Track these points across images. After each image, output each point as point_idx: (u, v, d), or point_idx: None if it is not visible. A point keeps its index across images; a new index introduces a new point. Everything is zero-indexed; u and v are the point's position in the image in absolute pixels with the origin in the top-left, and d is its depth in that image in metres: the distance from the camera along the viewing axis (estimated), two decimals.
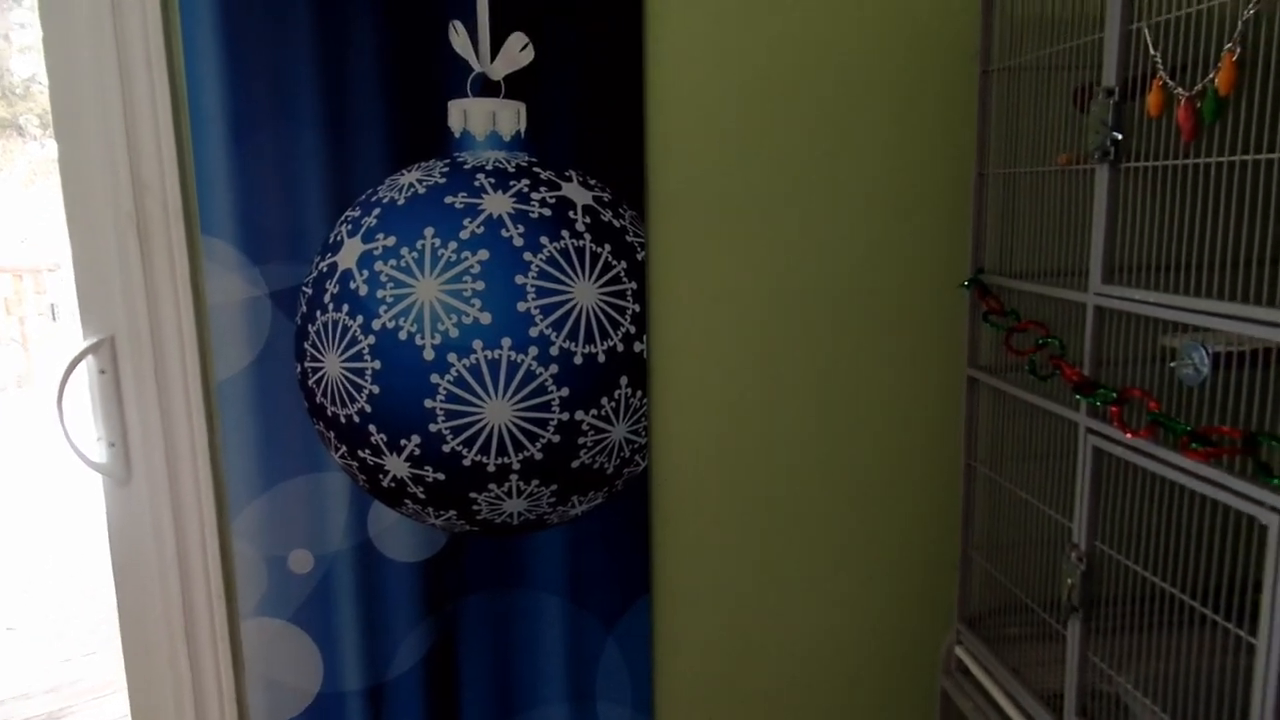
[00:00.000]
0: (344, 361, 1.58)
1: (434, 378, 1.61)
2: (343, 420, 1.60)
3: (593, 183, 1.60)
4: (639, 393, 1.67)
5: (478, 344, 1.61)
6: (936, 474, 1.72)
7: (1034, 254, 1.39)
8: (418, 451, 1.63)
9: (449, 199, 1.57)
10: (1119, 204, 1.14)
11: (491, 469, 1.66)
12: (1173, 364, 1.04)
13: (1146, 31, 1.07)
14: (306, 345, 1.57)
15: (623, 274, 1.63)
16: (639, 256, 1.63)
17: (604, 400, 1.66)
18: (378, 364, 1.60)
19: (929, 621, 1.78)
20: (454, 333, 1.60)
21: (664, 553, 1.73)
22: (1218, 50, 0.94)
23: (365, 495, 1.64)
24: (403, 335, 1.59)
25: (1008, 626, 1.62)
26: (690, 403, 1.69)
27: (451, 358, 1.61)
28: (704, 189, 1.62)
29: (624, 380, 1.66)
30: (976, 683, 1.60)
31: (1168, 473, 1.06)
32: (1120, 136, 1.11)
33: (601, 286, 1.63)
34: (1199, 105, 0.98)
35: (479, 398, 1.63)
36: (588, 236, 1.61)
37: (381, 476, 1.64)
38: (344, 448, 1.61)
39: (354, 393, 1.59)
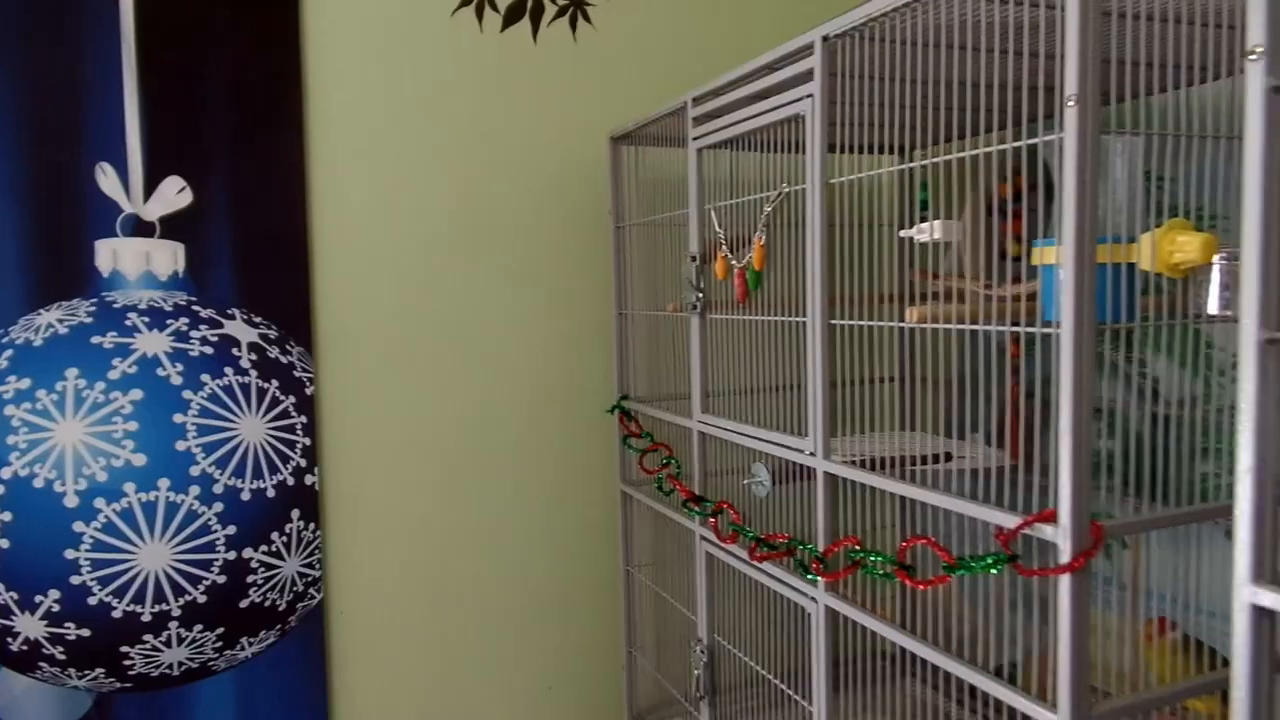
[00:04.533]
0: None
1: (78, 525, 1.51)
2: None
3: (258, 320, 1.63)
4: (312, 525, 1.68)
5: (129, 486, 1.54)
6: (603, 581, 1.87)
7: (663, 383, 1.61)
8: (56, 608, 1.51)
9: (96, 338, 1.52)
10: (707, 346, 1.38)
11: (147, 618, 1.57)
12: (746, 480, 1.27)
13: (713, 213, 1.33)
14: None
15: (291, 408, 1.65)
16: (308, 391, 1.67)
17: (274, 535, 1.65)
18: (7, 515, 1.48)
19: (606, 716, 1.90)
20: (101, 476, 1.53)
21: (344, 687, 1.71)
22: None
23: None
24: (39, 483, 1.49)
25: (671, 716, 1.78)
26: (367, 531, 1.72)
27: (99, 503, 1.53)
28: (374, 325, 1.71)
29: (295, 514, 1.66)
30: None
31: (750, 572, 1.27)
32: (701, 294, 1.35)
33: (269, 421, 1.64)
34: (747, 275, 1.23)
35: (132, 543, 1.55)
36: (253, 373, 1.62)
37: (10, 639, 1.49)
38: None
39: None
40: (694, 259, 1.37)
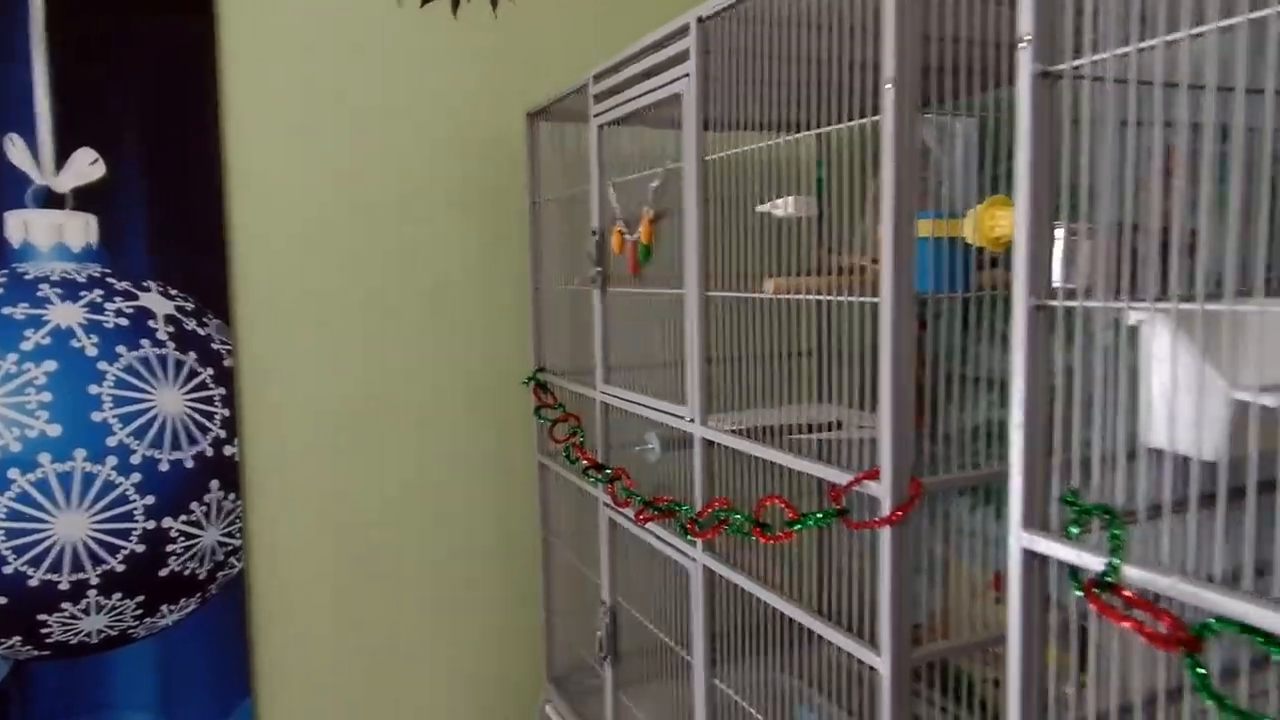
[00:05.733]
0: None
1: None
2: None
3: (174, 292, 1.64)
4: (232, 495, 1.70)
5: (44, 457, 1.56)
6: (524, 549, 1.92)
7: (581, 356, 1.65)
8: None
9: (7, 310, 1.53)
10: (609, 319, 1.42)
11: (65, 587, 1.60)
12: (638, 448, 1.32)
13: (612, 190, 1.36)
14: None
15: (210, 380, 1.68)
16: (226, 363, 1.69)
17: (194, 505, 1.67)
18: None
19: (527, 684, 1.96)
20: (16, 447, 1.54)
21: (266, 653, 1.75)
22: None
23: None
24: None
25: (588, 680, 1.83)
26: (288, 501, 1.75)
27: (13, 473, 1.54)
28: (293, 298, 1.73)
29: (215, 484, 1.69)
30: None
31: (643, 535, 1.32)
32: (601, 268, 1.39)
33: (187, 393, 1.66)
34: (637, 250, 1.27)
35: (47, 513, 1.57)
36: (171, 345, 1.64)
37: None
38: None
39: None
40: (594, 234, 1.41)
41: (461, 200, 1.83)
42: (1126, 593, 0.59)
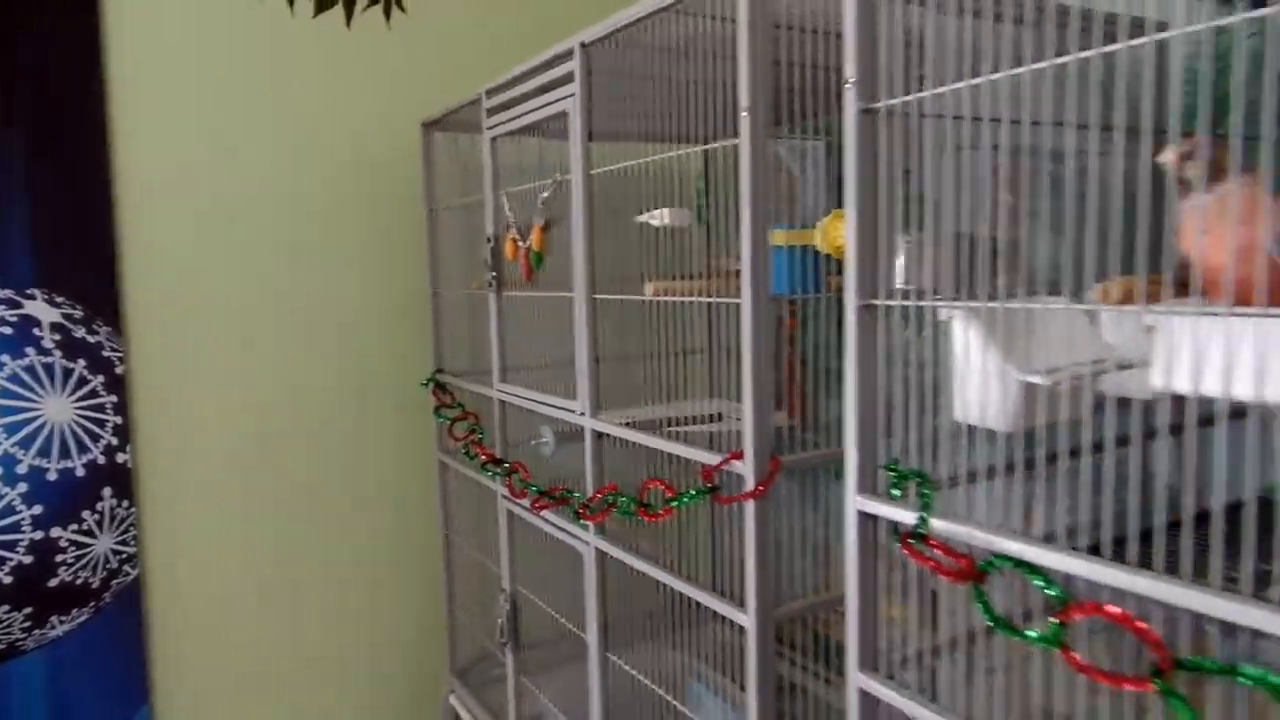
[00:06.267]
0: None
1: None
2: None
3: (60, 300, 1.63)
4: (126, 502, 1.70)
5: None
6: (424, 547, 1.97)
7: (473, 357, 1.72)
8: None
9: None
10: (505, 321, 1.50)
11: None
12: (533, 442, 1.40)
13: (505, 199, 1.44)
14: None
15: (100, 387, 1.66)
16: (118, 370, 1.68)
17: (85, 514, 1.66)
18: None
19: (431, 678, 2.01)
20: None
21: (165, 659, 1.75)
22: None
23: None
24: None
25: (492, 670, 1.90)
26: (185, 505, 1.75)
27: None
28: (187, 305, 1.73)
29: (108, 491, 1.68)
30: None
31: (539, 523, 1.41)
32: (496, 274, 1.47)
33: (76, 401, 1.64)
34: (530, 256, 1.36)
35: None
36: (58, 353, 1.62)
37: None
38: None
39: None
40: (489, 241, 1.49)
41: (360, 206, 1.87)
42: (934, 541, 0.71)
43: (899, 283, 1.08)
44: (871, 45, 0.75)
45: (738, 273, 1.09)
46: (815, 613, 1.01)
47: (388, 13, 1.90)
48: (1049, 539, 0.65)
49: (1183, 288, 0.59)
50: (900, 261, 1.07)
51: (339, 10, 1.85)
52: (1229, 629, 0.53)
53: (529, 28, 2.03)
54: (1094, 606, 0.58)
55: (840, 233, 0.95)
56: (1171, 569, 0.57)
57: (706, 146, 0.98)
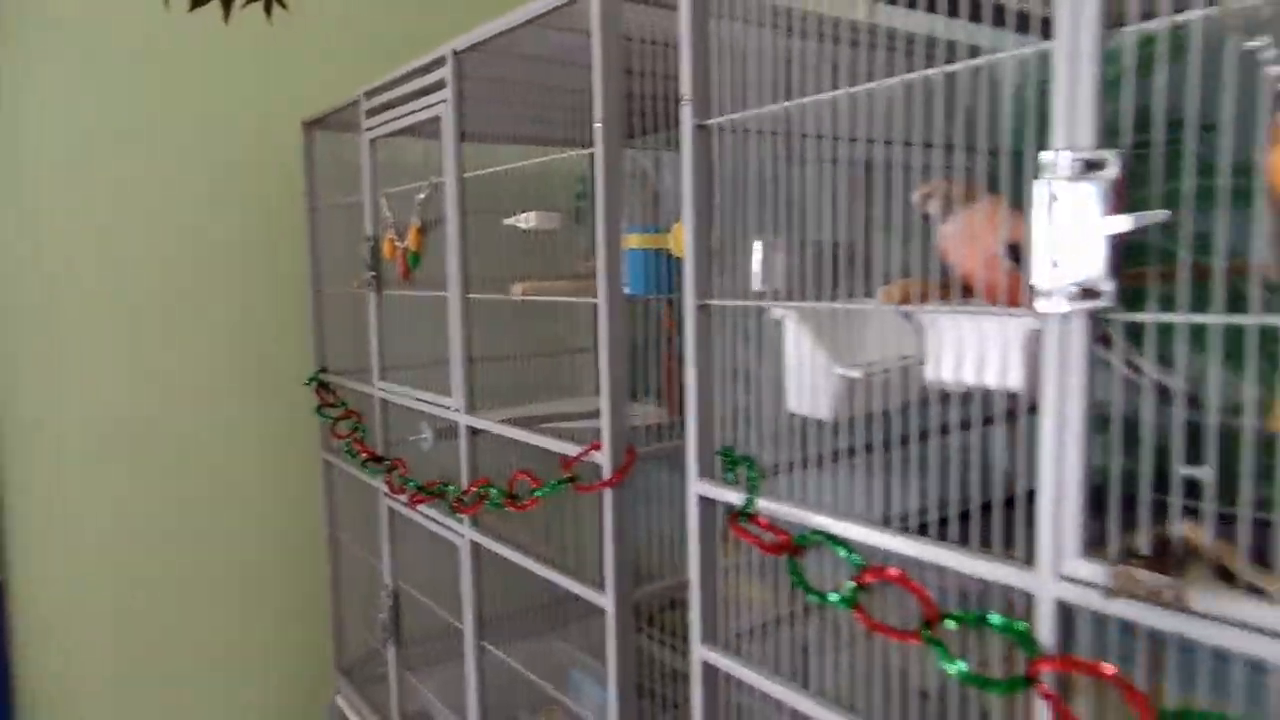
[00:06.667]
0: None
1: None
2: None
3: None
4: None
5: None
6: (310, 547, 1.96)
7: (356, 356, 1.72)
8: None
9: None
10: (384, 320, 1.52)
11: None
12: (412, 438, 1.43)
13: (384, 199, 1.46)
14: None
15: None
16: None
17: None
18: None
19: (320, 678, 2.00)
20: None
21: (34, 672, 1.69)
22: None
23: None
24: None
25: (378, 667, 1.91)
26: (55, 513, 1.70)
27: None
28: (54, 308, 1.68)
29: None
30: None
31: (418, 518, 1.43)
32: (374, 273, 1.49)
33: None
34: (407, 256, 1.38)
35: None
36: None
37: None
38: None
39: None
40: (368, 240, 1.50)
41: (244, 204, 1.85)
42: (761, 520, 0.78)
43: (756, 285, 1.16)
44: (704, 65, 0.82)
45: (590, 273, 1.14)
46: (679, 594, 1.07)
47: (269, 9, 1.88)
48: (886, 521, 0.73)
49: (945, 291, 0.67)
50: (756, 265, 1.15)
51: (215, 6, 1.82)
52: (998, 591, 0.62)
53: (415, 28, 2.04)
54: (879, 570, 0.66)
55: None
56: (961, 541, 0.65)
57: (564, 155, 1.03)
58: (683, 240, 1.00)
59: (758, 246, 1.13)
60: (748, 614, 0.88)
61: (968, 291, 0.67)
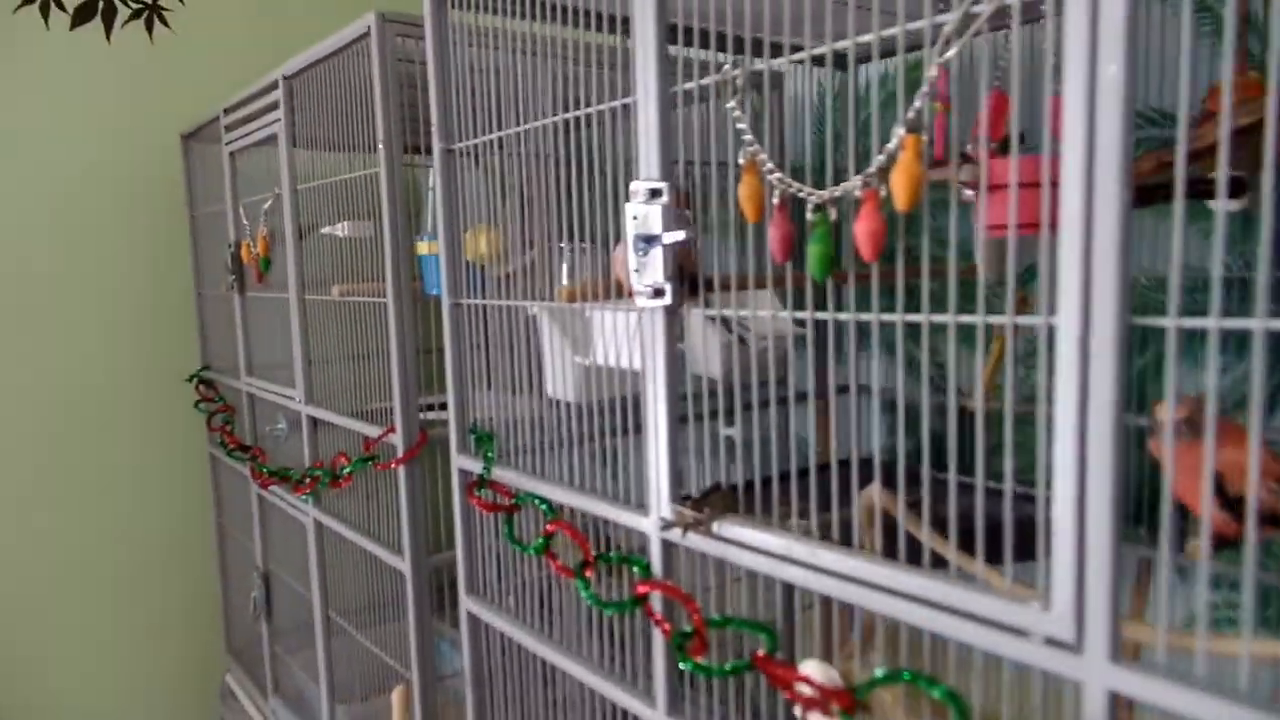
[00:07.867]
0: None
1: None
2: None
3: None
4: None
5: None
6: (199, 536, 2.06)
7: (234, 354, 1.84)
8: None
9: None
10: (248, 319, 1.64)
11: None
12: (268, 429, 1.55)
13: (243, 208, 1.58)
14: None
15: None
16: None
17: None
18: None
19: (213, 659, 2.10)
20: None
21: None
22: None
23: None
24: None
25: (263, 648, 2.02)
26: None
27: None
28: None
29: None
30: (241, 705, 1.96)
31: (283, 505, 1.55)
32: (236, 276, 1.60)
33: None
34: (259, 261, 1.50)
35: None
36: None
37: None
38: None
39: None
40: (230, 246, 1.62)
41: (131, 212, 1.94)
42: (498, 485, 0.92)
43: (563, 283, 1.29)
44: (448, 94, 0.96)
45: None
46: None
47: (149, 26, 1.98)
48: (582, 486, 0.87)
49: (607, 293, 0.82)
50: (564, 266, 1.28)
51: (97, 25, 1.92)
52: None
53: (283, 40, 2.14)
54: (557, 523, 0.80)
55: (476, 244, 1.16)
56: (614, 497, 0.79)
57: (360, 173, 1.16)
58: (470, 246, 1.14)
59: (564, 247, 1.26)
60: (512, 576, 1.02)
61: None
